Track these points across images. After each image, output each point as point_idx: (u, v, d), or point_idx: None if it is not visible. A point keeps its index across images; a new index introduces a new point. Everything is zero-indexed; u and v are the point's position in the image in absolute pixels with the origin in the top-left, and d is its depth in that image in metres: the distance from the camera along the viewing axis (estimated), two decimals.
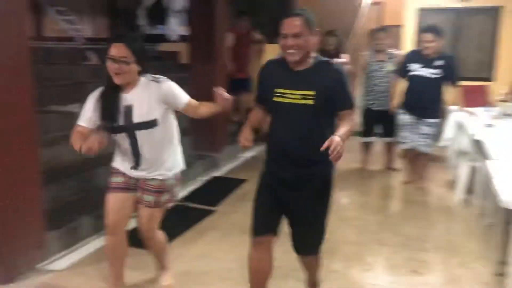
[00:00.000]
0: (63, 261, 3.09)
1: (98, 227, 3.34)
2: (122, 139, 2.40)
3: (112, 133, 2.39)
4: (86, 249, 3.29)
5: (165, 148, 2.48)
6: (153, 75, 2.42)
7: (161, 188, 2.49)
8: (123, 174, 2.49)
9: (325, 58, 2.23)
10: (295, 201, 2.26)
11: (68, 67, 5.38)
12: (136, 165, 2.45)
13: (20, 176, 2.85)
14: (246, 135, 2.24)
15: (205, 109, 2.51)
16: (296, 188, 2.24)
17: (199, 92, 3.20)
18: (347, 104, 2.19)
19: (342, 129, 2.07)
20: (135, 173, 2.47)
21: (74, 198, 3.67)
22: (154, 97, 2.36)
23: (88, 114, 2.36)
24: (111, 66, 2.28)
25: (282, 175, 2.25)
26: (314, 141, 2.08)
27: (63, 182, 3.65)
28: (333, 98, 2.14)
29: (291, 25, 2.08)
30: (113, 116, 2.33)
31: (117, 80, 2.29)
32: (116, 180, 2.49)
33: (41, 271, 2.96)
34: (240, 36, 6.13)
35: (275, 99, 2.20)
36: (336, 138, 1.95)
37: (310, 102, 2.11)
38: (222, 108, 2.47)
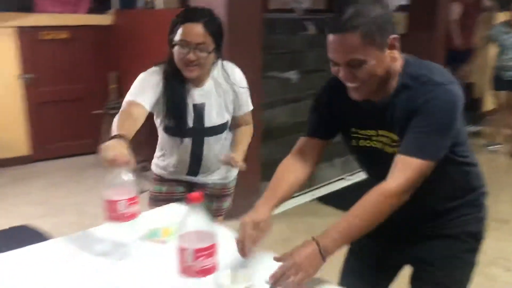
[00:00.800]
0: None
1: (306, 184, 3.68)
2: (182, 143, 1.88)
3: (175, 136, 1.87)
4: (293, 202, 3.66)
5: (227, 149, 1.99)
6: (226, 66, 1.88)
7: (225, 192, 2.05)
8: (169, 182, 2.00)
9: (418, 70, 1.27)
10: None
11: (287, 37, 5.79)
12: (193, 174, 1.96)
13: None
14: (254, 228, 1.27)
15: (244, 135, 1.98)
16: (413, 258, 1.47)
17: None
18: (407, 148, 1.23)
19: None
20: (189, 179, 2.00)
21: (284, 156, 4.04)
22: (227, 96, 1.87)
23: (148, 95, 1.74)
24: (182, 55, 1.70)
25: (390, 255, 1.50)
26: (431, 204, 1.37)
27: (276, 141, 4.05)
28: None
29: (338, 48, 1.21)
30: (184, 116, 1.82)
31: (188, 74, 1.74)
32: (158, 189, 2.01)
33: None
34: (468, 5, 5.64)
35: (355, 143, 1.40)
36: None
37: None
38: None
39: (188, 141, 1.86)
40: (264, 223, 1.29)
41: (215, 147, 1.91)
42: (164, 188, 2.00)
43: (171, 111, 1.80)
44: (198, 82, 1.81)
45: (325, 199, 3.81)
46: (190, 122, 1.83)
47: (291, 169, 1.44)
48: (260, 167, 3.45)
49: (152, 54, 4.47)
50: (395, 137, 1.30)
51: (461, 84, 1.29)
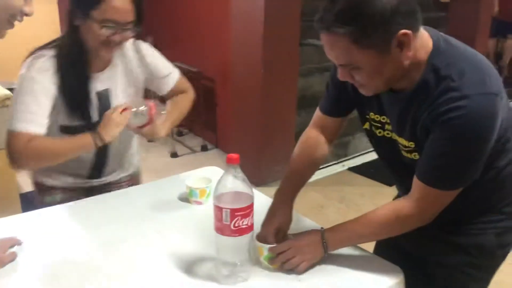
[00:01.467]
0: None
1: (338, 155, 3.67)
2: None
3: (78, 133, 1.43)
4: (327, 171, 3.69)
5: (134, 139, 1.70)
6: (133, 40, 1.55)
7: (133, 183, 1.73)
8: (63, 190, 1.62)
9: (446, 68, 1.01)
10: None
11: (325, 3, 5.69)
12: (97, 174, 1.63)
13: (282, 101, 3.31)
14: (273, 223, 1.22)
15: (175, 105, 1.65)
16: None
17: (458, 34, 3.03)
18: (426, 176, 1.06)
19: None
20: (91, 182, 1.65)
21: None
22: (139, 75, 1.57)
23: (43, 113, 1.37)
24: (103, 36, 1.35)
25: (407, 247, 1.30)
26: (457, 205, 1.09)
27: (311, 109, 4.02)
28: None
29: (327, 48, 1.02)
30: (87, 110, 1.46)
31: (107, 54, 1.43)
32: (51, 199, 1.60)
33: None
34: None
35: (374, 130, 1.24)
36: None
37: (417, 156, 1.12)
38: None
39: None
40: (285, 226, 1.24)
41: (126, 140, 1.60)
42: (58, 197, 1.61)
43: (71, 107, 1.43)
44: (101, 64, 1.49)
45: (359, 169, 3.80)
46: (95, 115, 1.48)
47: (315, 153, 1.45)
48: (294, 135, 3.45)
49: (184, 17, 4.49)
50: (404, 143, 1.13)
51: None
